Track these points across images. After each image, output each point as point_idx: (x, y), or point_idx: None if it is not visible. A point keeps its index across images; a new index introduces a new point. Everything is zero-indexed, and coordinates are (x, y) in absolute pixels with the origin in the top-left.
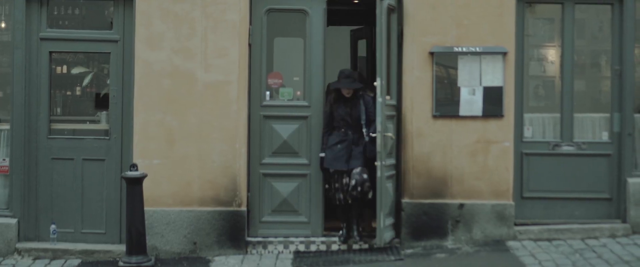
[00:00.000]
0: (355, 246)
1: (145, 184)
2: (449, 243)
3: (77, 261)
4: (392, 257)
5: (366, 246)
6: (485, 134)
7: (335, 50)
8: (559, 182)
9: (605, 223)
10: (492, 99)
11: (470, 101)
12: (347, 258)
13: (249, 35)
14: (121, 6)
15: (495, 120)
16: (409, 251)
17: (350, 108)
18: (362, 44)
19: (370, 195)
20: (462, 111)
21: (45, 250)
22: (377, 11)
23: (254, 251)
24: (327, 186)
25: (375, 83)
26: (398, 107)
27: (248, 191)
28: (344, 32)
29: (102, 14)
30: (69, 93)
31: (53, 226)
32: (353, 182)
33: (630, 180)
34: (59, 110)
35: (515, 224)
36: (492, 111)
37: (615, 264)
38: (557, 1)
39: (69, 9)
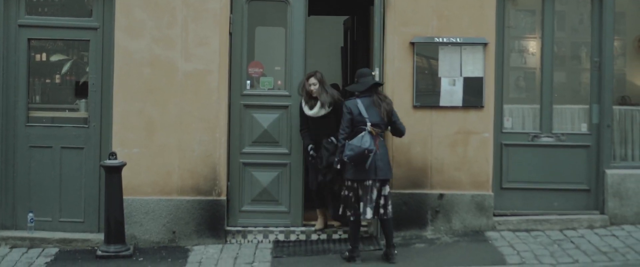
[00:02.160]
0: (335, 236)
1: (125, 173)
2: (428, 233)
3: (54, 250)
4: (371, 247)
5: (345, 235)
6: (465, 124)
7: (326, 41)
8: (538, 173)
9: (584, 214)
10: (472, 90)
11: (451, 92)
12: (326, 248)
13: (230, 24)
14: None
15: (475, 111)
16: None
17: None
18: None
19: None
20: (443, 102)
21: (22, 238)
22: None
23: (233, 241)
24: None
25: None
26: None
27: (228, 180)
28: (337, 22)
29: (82, 1)
30: (47, 81)
31: (31, 215)
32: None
33: (609, 171)
34: (37, 98)
35: (495, 215)
36: (472, 102)
37: (593, 254)
38: None
39: None
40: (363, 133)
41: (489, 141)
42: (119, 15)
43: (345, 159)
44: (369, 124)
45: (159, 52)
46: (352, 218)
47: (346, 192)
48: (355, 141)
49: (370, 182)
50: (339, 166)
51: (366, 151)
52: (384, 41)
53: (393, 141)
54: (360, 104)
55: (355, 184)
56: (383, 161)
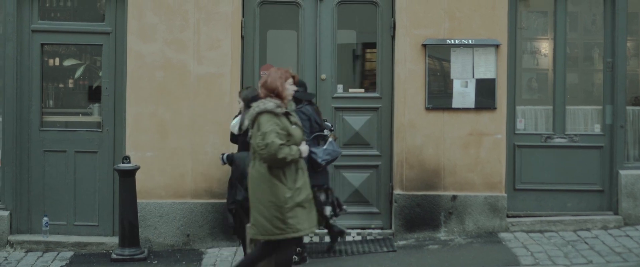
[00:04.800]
0: (349, 238)
1: (138, 176)
2: (441, 235)
3: (69, 254)
4: (385, 249)
5: (359, 237)
6: (477, 126)
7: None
8: (551, 174)
9: (597, 215)
10: (485, 92)
11: (463, 93)
12: (339, 249)
13: (242, 27)
14: None
15: (488, 113)
16: (401, 243)
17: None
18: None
19: None
20: (455, 103)
21: (37, 242)
22: None
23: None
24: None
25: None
26: (390, 100)
27: None
28: None
29: (94, 6)
30: (61, 85)
31: (45, 219)
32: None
33: (622, 172)
34: (51, 102)
35: (508, 216)
36: (484, 103)
37: (607, 255)
38: None
39: (61, 1)
40: (329, 139)
41: (501, 142)
42: (131, 19)
43: (324, 163)
44: (330, 131)
45: (171, 55)
46: None
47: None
48: (328, 146)
49: (327, 186)
50: None
51: (340, 155)
52: (395, 43)
53: (405, 143)
54: (312, 111)
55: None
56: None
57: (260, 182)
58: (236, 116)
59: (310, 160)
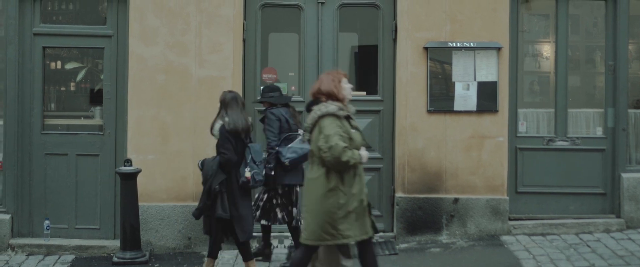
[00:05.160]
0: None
1: (140, 179)
2: (443, 238)
3: (71, 257)
4: (387, 252)
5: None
6: (479, 129)
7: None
8: (553, 177)
9: (600, 218)
10: (487, 94)
11: (465, 96)
12: None
13: (244, 30)
14: (115, 1)
15: (490, 116)
16: (403, 246)
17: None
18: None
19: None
20: (457, 106)
21: (39, 246)
22: None
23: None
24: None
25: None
26: (392, 103)
27: None
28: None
29: (96, 9)
30: (62, 88)
31: (47, 222)
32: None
33: (624, 175)
34: (52, 105)
35: (510, 219)
36: (486, 106)
37: (609, 258)
38: None
39: (63, 4)
40: (299, 138)
41: (503, 145)
42: (133, 23)
43: (288, 162)
44: (301, 131)
45: (173, 58)
46: (269, 223)
47: (272, 200)
48: (295, 145)
49: (298, 187)
50: (273, 172)
51: (308, 154)
52: (397, 46)
53: (407, 146)
54: (285, 113)
55: (286, 189)
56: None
57: (317, 187)
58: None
59: (277, 159)
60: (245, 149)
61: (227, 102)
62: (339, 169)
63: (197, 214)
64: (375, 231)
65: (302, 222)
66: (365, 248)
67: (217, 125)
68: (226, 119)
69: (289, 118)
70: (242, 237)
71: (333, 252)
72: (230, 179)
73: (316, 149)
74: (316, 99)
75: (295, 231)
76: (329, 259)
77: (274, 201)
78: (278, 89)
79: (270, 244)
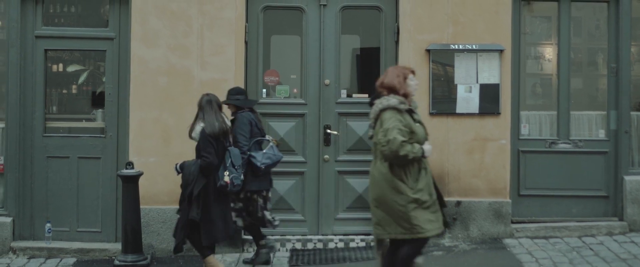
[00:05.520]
0: (352, 244)
1: (141, 182)
2: (446, 241)
3: (72, 260)
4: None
5: (363, 243)
6: (482, 131)
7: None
8: (556, 180)
9: (602, 221)
10: (489, 97)
11: (467, 99)
12: (343, 256)
13: (246, 32)
14: (117, 4)
15: (492, 118)
16: None
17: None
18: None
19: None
20: (459, 109)
21: (40, 249)
22: None
23: (250, 249)
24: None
25: (326, 81)
26: None
27: None
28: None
29: (98, 11)
30: (64, 91)
31: (48, 225)
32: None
33: (627, 178)
34: (54, 108)
35: (512, 222)
36: (488, 109)
37: (612, 261)
38: None
39: (65, 7)
40: (270, 144)
41: (506, 147)
42: (135, 25)
43: (262, 167)
44: (270, 137)
45: (175, 61)
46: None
47: (241, 204)
48: (268, 151)
49: (265, 192)
50: (242, 177)
51: (280, 160)
52: (399, 48)
53: None
54: (253, 117)
55: (255, 195)
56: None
57: (382, 182)
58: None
59: (250, 164)
60: (225, 152)
61: (203, 106)
62: (398, 163)
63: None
64: (446, 226)
65: (276, 222)
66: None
67: (198, 128)
68: (204, 122)
69: (257, 122)
70: (205, 241)
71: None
72: (208, 182)
73: (377, 142)
74: (377, 94)
75: (255, 233)
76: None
77: (232, 205)
78: (244, 92)
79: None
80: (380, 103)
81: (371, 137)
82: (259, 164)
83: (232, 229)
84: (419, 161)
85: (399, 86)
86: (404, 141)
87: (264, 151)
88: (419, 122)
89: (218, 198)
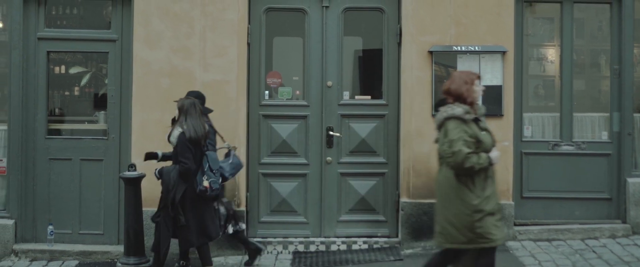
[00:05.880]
0: (355, 246)
1: (144, 184)
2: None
3: (74, 262)
4: (392, 258)
5: (365, 245)
6: None
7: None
8: (559, 182)
9: (605, 223)
10: (491, 99)
11: None
12: (346, 258)
13: (248, 34)
14: (119, 5)
15: (495, 120)
16: (408, 251)
17: None
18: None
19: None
20: None
21: (42, 251)
22: None
23: None
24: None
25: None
26: (397, 107)
27: (247, 190)
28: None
29: (100, 13)
30: (67, 93)
31: (50, 227)
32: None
33: (630, 180)
34: (56, 110)
35: (515, 224)
36: (491, 110)
37: (616, 264)
38: (556, 0)
39: (67, 9)
40: (231, 152)
41: (508, 149)
42: (138, 27)
43: (230, 177)
44: (229, 144)
45: (177, 62)
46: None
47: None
48: (234, 160)
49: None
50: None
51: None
52: (401, 50)
53: (412, 151)
54: (211, 124)
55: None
56: None
57: (448, 189)
58: (174, 126)
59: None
60: (202, 157)
61: (186, 109)
62: (465, 173)
63: (155, 219)
64: None
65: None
66: (452, 256)
67: (176, 133)
68: (185, 126)
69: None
70: (183, 246)
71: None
72: (187, 187)
73: (441, 152)
74: (443, 100)
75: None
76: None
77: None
78: (202, 97)
79: (189, 259)
80: (444, 111)
81: (437, 141)
82: (227, 174)
83: (213, 232)
84: (486, 168)
85: (466, 94)
86: (469, 153)
87: (230, 161)
88: (486, 129)
89: (196, 203)
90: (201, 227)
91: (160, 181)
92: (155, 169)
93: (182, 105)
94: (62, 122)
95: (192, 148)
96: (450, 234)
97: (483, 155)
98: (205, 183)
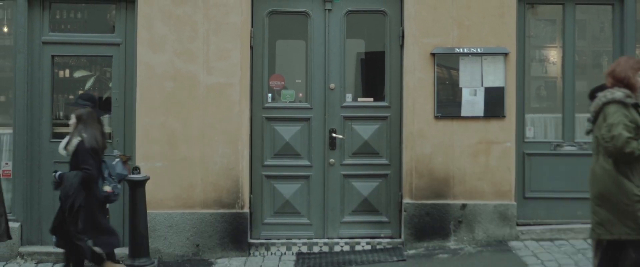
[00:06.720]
0: (358, 247)
1: (148, 186)
2: (451, 244)
3: None
4: (395, 258)
5: (368, 246)
6: (487, 134)
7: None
8: (561, 182)
9: None
10: (494, 100)
11: (472, 102)
12: (349, 259)
13: (251, 37)
14: (123, 9)
15: (497, 121)
16: (411, 252)
17: None
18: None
19: None
20: (464, 112)
21: (48, 254)
22: None
23: (256, 253)
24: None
25: (332, 85)
26: (399, 109)
27: (250, 192)
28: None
29: (104, 17)
30: (71, 97)
31: None
32: None
33: None
34: (61, 114)
35: (518, 224)
36: (493, 112)
37: None
38: (558, 2)
39: (71, 13)
40: (116, 160)
41: (511, 150)
42: (141, 30)
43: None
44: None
45: (181, 66)
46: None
47: None
48: (118, 169)
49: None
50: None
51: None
52: (404, 52)
53: (415, 152)
54: None
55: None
56: None
57: (605, 179)
58: (72, 135)
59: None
60: (101, 164)
61: (85, 119)
62: (624, 159)
63: (53, 230)
64: None
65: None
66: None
67: (75, 141)
68: (84, 135)
69: None
70: (105, 248)
71: None
72: (90, 194)
73: (599, 138)
74: (600, 86)
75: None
76: None
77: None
78: (93, 99)
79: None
80: (603, 96)
81: (588, 133)
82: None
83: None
84: None
85: (633, 80)
86: (629, 137)
87: (118, 170)
88: None
89: (101, 208)
90: (109, 231)
91: (57, 185)
92: (55, 172)
93: (81, 115)
94: (66, 125)
95: (93, 155)
96: (614, 226)
97: None
98: (107, 188)
